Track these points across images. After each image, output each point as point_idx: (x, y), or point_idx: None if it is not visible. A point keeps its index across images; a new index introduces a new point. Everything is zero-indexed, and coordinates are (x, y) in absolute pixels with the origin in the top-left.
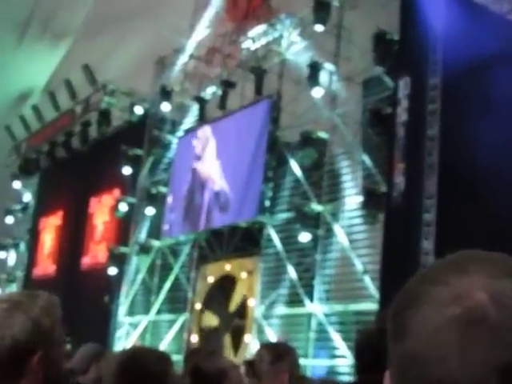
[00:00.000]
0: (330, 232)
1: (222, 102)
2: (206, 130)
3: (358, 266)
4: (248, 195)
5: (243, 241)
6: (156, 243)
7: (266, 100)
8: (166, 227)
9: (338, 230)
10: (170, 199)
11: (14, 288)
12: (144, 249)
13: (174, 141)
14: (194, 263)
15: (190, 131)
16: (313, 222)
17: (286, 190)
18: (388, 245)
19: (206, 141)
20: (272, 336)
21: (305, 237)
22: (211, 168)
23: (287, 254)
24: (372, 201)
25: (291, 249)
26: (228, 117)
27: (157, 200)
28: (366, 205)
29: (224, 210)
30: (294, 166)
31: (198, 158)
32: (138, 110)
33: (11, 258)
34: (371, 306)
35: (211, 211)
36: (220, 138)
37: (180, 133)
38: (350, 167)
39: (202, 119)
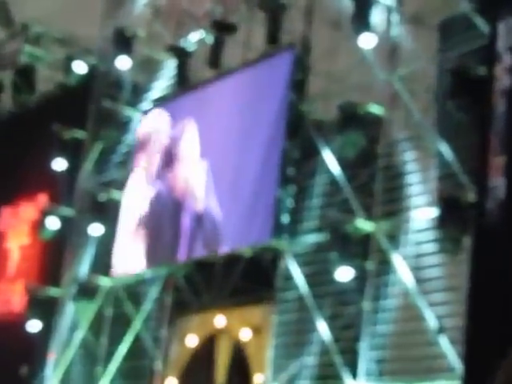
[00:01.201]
0: (385, 265)
1: (215, 55)
2: (186, 104)
3: (430, 320)
4: (256, 207)
5: (246, 278)
6: (105, 282)
7: (286, 53)
8: (121, 257)
9: (398, 261)
10: (128, 212)
11: None
12: (86, 291)
13: (137, 117)
14: (167, 315)
15: (163, 103)
16: (358, 249)
17: (316, 197)
18: (478, 286)
19: (183, 127)
20: None
21: (345, 273)
22: (191, 174)
23: (317, 300)
24: (453, 216)
25: (323, 292)
26: (223, 80)
27: (107, 212)
28: (443, 222)
29: (212, 240)
30: (329, 160)
31: (170, 156)
32: (79, 68)
33: None
34: None
35: (195, 237)
36: (209, 117)
37: (146, 105)
38: (419, 162)
39: (182, 83)
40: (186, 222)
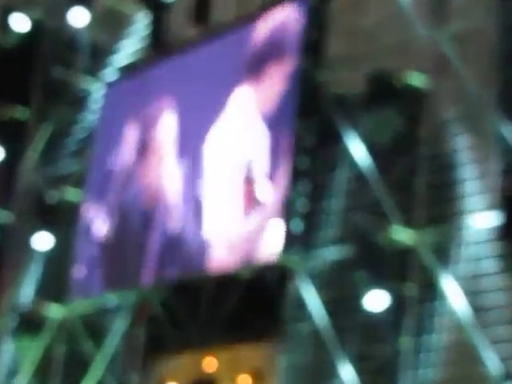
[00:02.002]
0: (430, 289)
1: (201, 8)
2: (163, 75)
3: (491, 363)
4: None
5: (245, 307)
6: (56, 311)
7: (296, 4)
8: (78, 276)
9: (447, 284)
10: (88, 214)
11: None
12: (30, 323)
13: (97, 90)
14: (138, 355)
15: (131, 72)
16: (394, 267)
17: (338, 197)
18: None
19: (159, 108)
20: None
21: (377, 299)
22: (165, 174)
23: (339, 335)
24: None
25: (347, 325)
26: (212, 41)
27: (59, 218)
28: (507, 231)
29: (195, 255)
30: (355, 147)
31: (140, 148)
32: (20, 24)
33: None
34: None
35: (168, 253)
36: (193, 92)
37: (109, 74)
38: (475, 149)
39: (158, 46)
40: (155, 237)
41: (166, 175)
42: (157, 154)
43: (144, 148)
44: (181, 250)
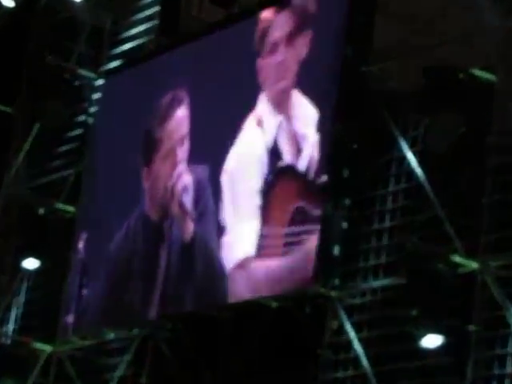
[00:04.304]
0: (499, 325)
1: None
2: (176, 63)
3: None
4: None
5: (271, 347)
6: (43, 349)
7: None
8: (70, 307)
9: None
10: (83, 238)
11: None
12: (10, 363)
13: (97, 81)
14: None
15: (138, 59)
16: (455, 299)
17: (387, 215)
18: None
19: (171, 100)
20: None
21: (434, 338)
22: (178, 178)
23: (388, 380)
24: None
25: (398, 368)
26: (236, 25)
27: (48, 235)
28: None
29: (209, 284)
30: (408, 155)
31: (150, 144)
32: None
33: None
34: None
35: (179, 282)
36: (211, 86)
37: (112, 61)
38: None
39: (170, 30)
40: (163, 257)
41: (178, 182)
42: (167, 157)
43: (151, 149)
44: (196, 274)
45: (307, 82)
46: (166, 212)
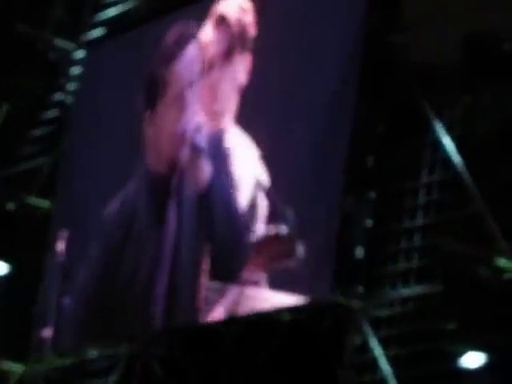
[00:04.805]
0: None
1: None
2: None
3: None
4: (304, 231)
5: (284, 364)
6: (15, 369)
7: None
8: (47, 322)
9: None
10: (62, 237)
11: None
12: None
13: (77, 53)
14: None
15: (123, 29)
16: (499, 310)
17: (419, 212)
18: None
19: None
20: None
21: (473, 359)
22: (191, 127)
23: None
24: None
25: None
26: None
27: (19, 234)
28: None
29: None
30: (446, 142)
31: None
32: None
33: None
34: None
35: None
36: None
37: (94, 30)
38: None
39: None
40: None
41: (190, 122)
42: (175, 102)
43: (156, 93)
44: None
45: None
46: (175, 163)
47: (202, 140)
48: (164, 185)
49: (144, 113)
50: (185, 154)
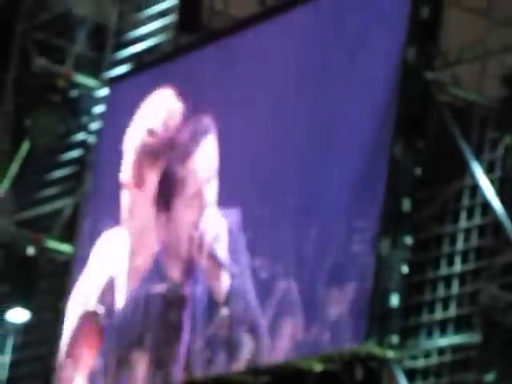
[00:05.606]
0: None
1: None
2: (198, 73)
3: None
4: (335, 280)
5: None
6: None
7: None
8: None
9: None
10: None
11: None
12: None
13: (99, 91)
14: None
15: (150, 65)
16: None
17: (458, 257)
18: None
19: (198, 126)
20: None
21: None
22: (206, 222)
23: None
24: None
25: None
26: (272, 22)
27: (39, 280)
28: None
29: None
30: (486, 184)
31: (170, 184)
32: None
33: None
34: None
35: (205, 341)
36: (245, 104)
37: (117, 67)
38: None
39: (191, 26)
40: (187, 314)
41: (207, 220)
42: (192, 202)
43: (171, 192)
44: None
45: None
46: (190, 269)
47: (222, 252)
48: (178, 294)
49: (158, 214)
50: (201, 262)
